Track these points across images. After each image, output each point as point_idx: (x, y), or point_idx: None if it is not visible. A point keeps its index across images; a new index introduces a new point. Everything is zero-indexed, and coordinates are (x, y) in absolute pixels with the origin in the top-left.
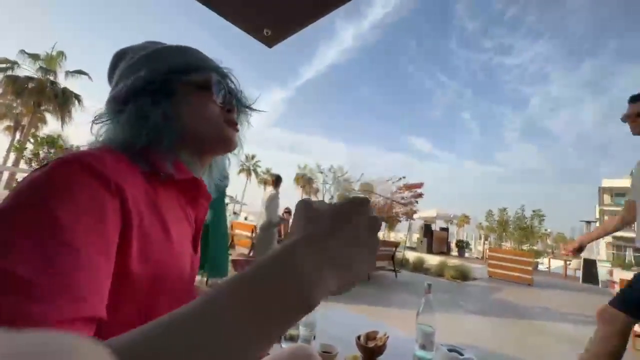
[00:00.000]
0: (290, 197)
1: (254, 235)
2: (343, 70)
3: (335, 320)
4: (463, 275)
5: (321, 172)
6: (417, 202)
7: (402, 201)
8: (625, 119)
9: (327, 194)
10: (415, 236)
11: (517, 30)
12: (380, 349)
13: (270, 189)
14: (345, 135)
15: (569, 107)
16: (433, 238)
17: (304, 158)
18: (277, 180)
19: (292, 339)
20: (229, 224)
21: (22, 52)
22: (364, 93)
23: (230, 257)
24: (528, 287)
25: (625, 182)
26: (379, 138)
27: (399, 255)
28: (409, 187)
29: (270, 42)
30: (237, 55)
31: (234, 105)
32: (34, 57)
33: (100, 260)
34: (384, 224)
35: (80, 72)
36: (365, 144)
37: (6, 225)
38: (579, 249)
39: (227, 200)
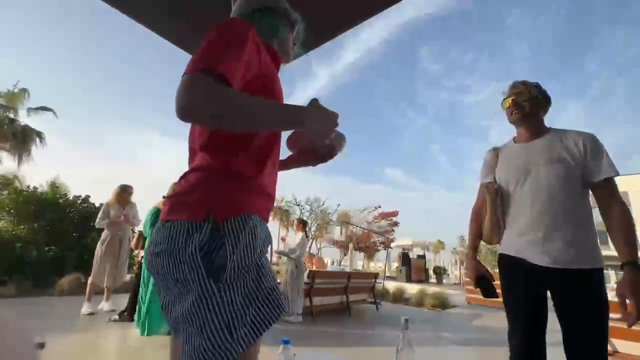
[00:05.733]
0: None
1: None
2: None
3: None
4: (442, 304)
5: (298, 205)
6: (393, 230)
7: (379, 230)
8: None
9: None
10: (394, 265)
11: (473, 73)
12: None
13: (300, 234)
14: (322, 168)
15: None
16: (411, 266)
17: (280, 191)
18: (304, 225)
19: None
20: None
21: None
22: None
23: None
24: None
25: None
26: (355, 170)
27: (379, 285)
28: (384, 215)
29: None
30: None
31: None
32: None
33: None
34: (363, 254)
35: (44, 108)
36: (341, 176)
37: None
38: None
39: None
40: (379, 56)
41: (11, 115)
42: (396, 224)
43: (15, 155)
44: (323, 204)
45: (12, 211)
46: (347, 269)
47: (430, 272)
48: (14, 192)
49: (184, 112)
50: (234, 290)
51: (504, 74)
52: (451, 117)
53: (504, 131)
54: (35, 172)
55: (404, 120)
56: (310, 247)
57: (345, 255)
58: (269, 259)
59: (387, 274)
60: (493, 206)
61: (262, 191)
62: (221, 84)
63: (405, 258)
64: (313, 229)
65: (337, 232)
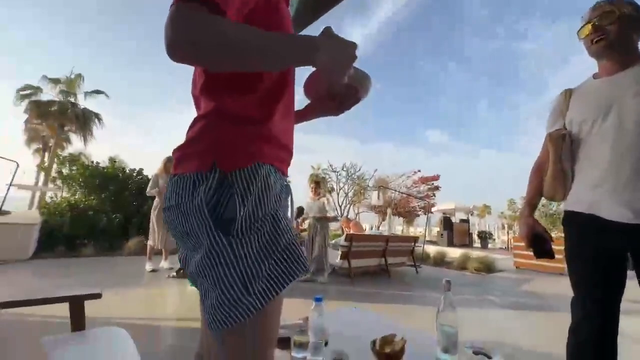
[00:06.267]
0: (303, 197)
1: None
2: None
3: (351, 320)
4: (487, 267)
5: (334, 172)
6: (434, 195)
7: (419, 195)
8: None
9: (341, 192)
10: (435, 230)
11: (531, 14)
12: (397, 355)
13: (322, 199)
14: (360, 133)
15: None
16: (453, 231)
17: (317, 158)
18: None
19: (302, 346)
20: None
21: (44, 77)
22: (377, 90)
23: None
24: (561, 277)
25: None
26: (394, 133)
27: (418, 249)
28: (424, 180)
29: None
30: None
31: None
32: (55, 81)
33: None
34: (402, 219)
35: (98, 91)
36: (380, 141)
37: None
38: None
39: None
40: (417, 7)
41: (72, 100)
42: (437, 188)
43: (80, 135)
44: (359, 170)
45: (82, 184)
46: (386, 234)
47: (474, 236)
48: (82, 167)
49: (171, 49)
50: (247, 243)
51: (569, 11)
52: (502, 70)
53: (570, 82)
54: (97, 150)
55: (447, 77)
56: (347, 212)
57: (383, 220)
58: (290, 214)
59: (428, 238)
60: (557, 153)
61: (273, 139)
62: (211, 13)
63: (447, 222)
64: (350, 194)
65: (374, 197)
